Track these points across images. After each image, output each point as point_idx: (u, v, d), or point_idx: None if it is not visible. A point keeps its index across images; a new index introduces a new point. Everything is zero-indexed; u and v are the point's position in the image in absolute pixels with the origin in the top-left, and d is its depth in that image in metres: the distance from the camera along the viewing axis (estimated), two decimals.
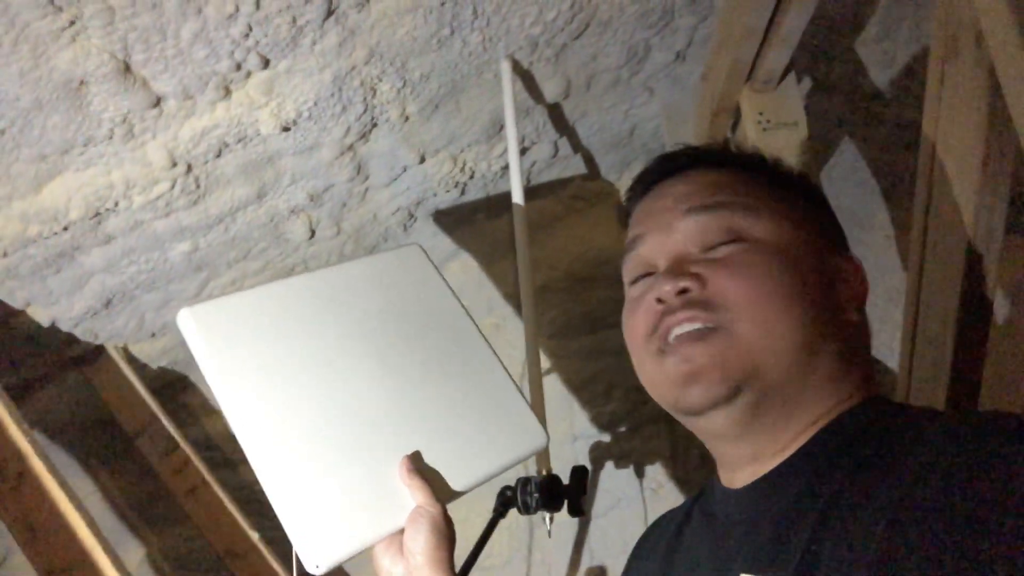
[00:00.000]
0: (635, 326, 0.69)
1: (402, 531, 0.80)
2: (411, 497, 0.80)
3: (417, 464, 0.83)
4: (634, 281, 0.72)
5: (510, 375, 0.98)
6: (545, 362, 2.10)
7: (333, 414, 0.82)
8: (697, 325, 0.64)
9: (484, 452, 0.89)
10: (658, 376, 0.67)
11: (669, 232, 0.69)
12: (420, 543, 0.78)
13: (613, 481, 2.20)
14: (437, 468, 0.85)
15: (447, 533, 0.80)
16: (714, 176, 0.71)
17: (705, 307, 0.64)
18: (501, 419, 0.93)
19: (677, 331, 0.65)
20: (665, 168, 0.75)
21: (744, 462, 0.67)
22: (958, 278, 0.93)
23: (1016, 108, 0.72)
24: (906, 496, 0.52)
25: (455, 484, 0.85)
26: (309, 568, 0.76)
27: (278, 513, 0.77)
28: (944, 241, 0.96)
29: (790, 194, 0.71)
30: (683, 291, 0.65)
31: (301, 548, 0.76)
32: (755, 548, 0.61)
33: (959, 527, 0.48)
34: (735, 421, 0.64)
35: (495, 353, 0.99)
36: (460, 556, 1.17)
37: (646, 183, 0.76)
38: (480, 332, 1.00)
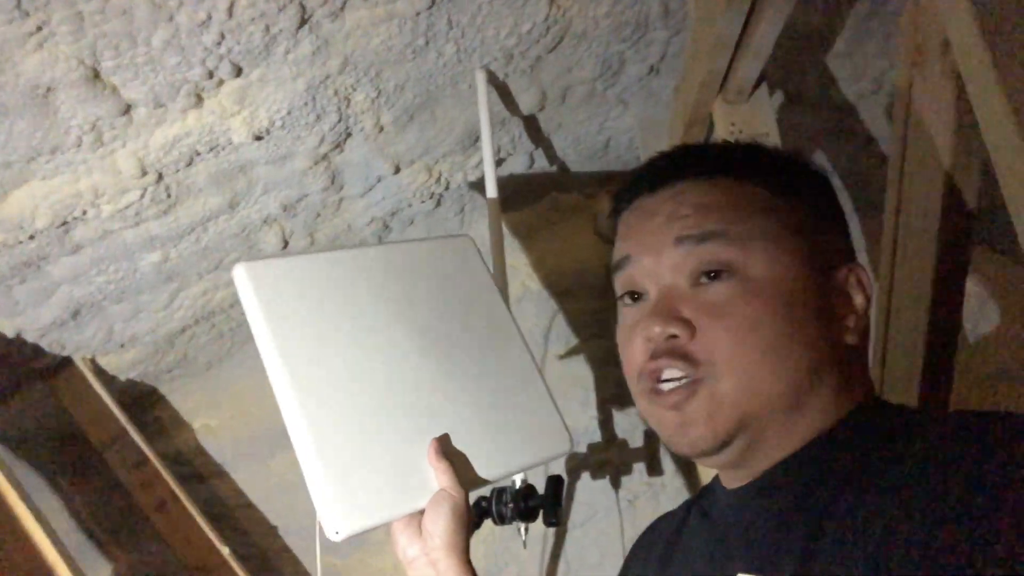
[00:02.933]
0: (628, 360, 0.70)
1: (422, 512, 0.81)
2: (436, 479, 0.81)
3: (445, 447, 0.84)
4: (622, 298, 0.72)
5: (543, 377, 1.00)
6: None
7: (370, 387, 0.84)
8: (680, 375, 0.64)
9: (511, 447, 0.91)
10: (650, 417, 0.68)
11: (659, 259, 0.67)
12: (440, 526, 0.78)
13: (589, 492, 2.19)
14: (464, 455, 0.86)
15: (466, 520, 0.81)
16: (708, 194, 0.67)
17: (691, 361, 0.63)
18: (530, 418, 0.95)
19: (665, 376, 0.65)
20: (655, 177, 0.71)
21: (740, 476, 0.68)
22: (928, 287, 0.94)
23: (983, 117, 0.72)
24: (903, 498, 0.52)
25: (480, 473, 0.87)
26: (329, 534, 0.77)
27: (306, 476, 0.79)
28: (914, 250, 0.97)
29: (793, 203, 0.67)
30: (672, 336, 0.65)
31: (323, 513, 0.78)
32: (753, 549, 0.61)
33: (956, 531, 0.48)
34: (726, 462, 0.66)
35: (531, 353, 1.00)
36: None
37: (635, 191, 0.73)
38: (519, 330, 1.01)
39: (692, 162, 0.71)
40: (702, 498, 0.77)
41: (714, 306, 0.64)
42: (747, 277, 0.64)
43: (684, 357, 0.64)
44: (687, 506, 0.79)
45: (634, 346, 0.68)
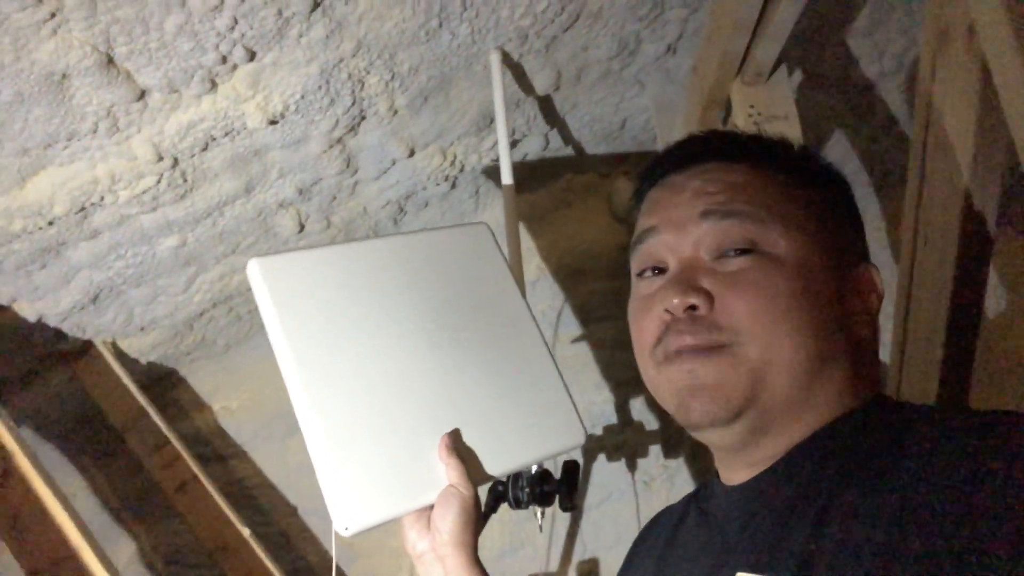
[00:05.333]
0: (642, 333, 0.69)
1: (432, 506, 0.81)
2: (446, 475, 0.81)
3: (456, 443, 0.83)
4: (641, 273, 0.71)
5: (557, 368, 0.98)
6: None
7: (382, 381, 0.84)
8: (700, 343, 0.63)
9: (522, 440, 0.90)
10: (661, 383, 0.67)
11: (682, 233, 0.67)
12: (448, 522, 0.78)
13: (605, 474, 2.20)
14: (475, 449, 0.86)
15: (475, 516, 0.80)
16: (734, 174, 0.68)
17: (710, 328, 0.63)
18: (544, 410, 0.93)
19: (681, 347, 0.64)
20: (683, 156, 0.72)
21: (742, 466, 0.67)
22: (950, 271, 0.93)
23: (1008, 101, 0.71)
24: (905, 498, 0.52)
25: (490, 468, 0.86)
26: (338, 528, 0.78)
27: (317, 471, 0.79)
28: (936, 234, 0.95)
29: (813, 197, 0.68)
30: (691, 307, 0.64)
31: (333, 509, 0.78)
32: (753, 547, 0.60)
33: (958, 529, 0.48)
34: (733, 440, 0.65)
35: (546, 343, 0.99)
36: None
37: (663, 169, 0.73)
38: (534, 320, 1.00)
39: (723, 145, 0.72)
40: (700, 495, 0.76)
41: (735, 277, 0.64)
42: (769, 255, 0.64)
43: (706, 325, 0.63)
44: (686, 502, 0.78)
45: (649, 317, 0.67)
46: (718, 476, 0.71)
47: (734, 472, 0.68)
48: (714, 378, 0.62)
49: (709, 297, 0.64)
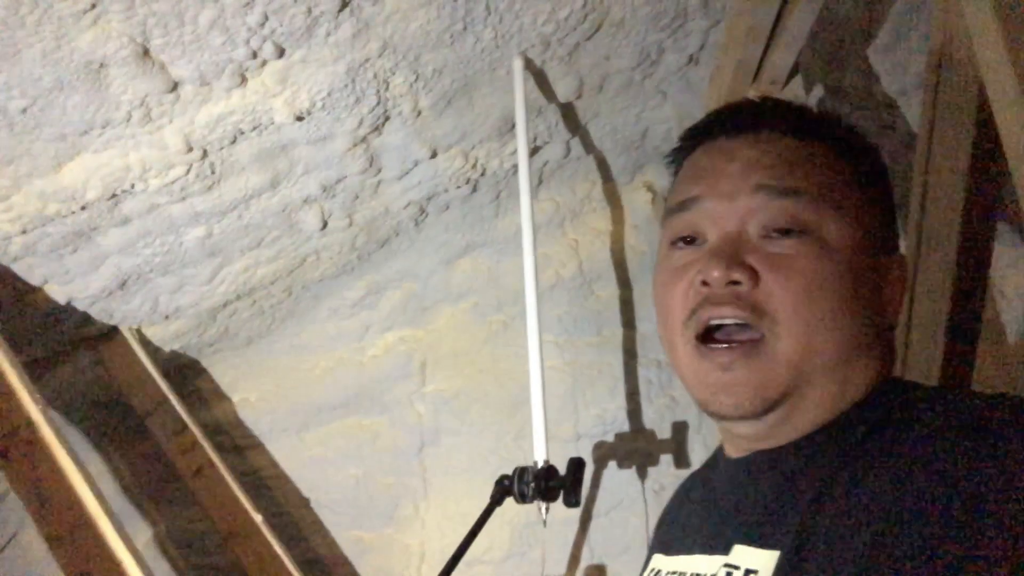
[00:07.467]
0: (672, 303, 0.65)
1: None
2: None
3: None
4: (675, 242, 0.67)
5: None
6: (551, 360, 2.12)
7: None
8: (740, 322, 0.61)
9: None
10: (692, 372, 0.64)
11: (731, 203, 0.63)
12: None
13: (615, 481, 2.21)
14: None
15: None
16: (792, 148, 0.64)
17: (752, 310, 0.60)
18: None
19: (719, 322, 0.62)
20: (736, 121, 0.67)
21: (748, 443, 0.66)
22: (948, 287, 0.93)
23: (1002, 121, 0.71)
24: (903, 484, 0.52)
25: None
26: None
27: None
28: (934, 248, 0.96)
29: (860, 178, 0.65)
30: (734, 282, 0.61)
31: None
32: (749, 520, 0.61)
33: (955, 517, 0.49)
34: (760, 431, 0.63)
35: None
36: (458, 542, 1.20)
37: (711, 132, 0.68)
38: None
39: (780, 115, 0.67)
40: (708, 464, 0.76)
41: (783, 261, 0.61)
42: (820, 240, 0.61)
43: (748, 305, 0.60)
44: (694, 475, 0.79)
45: (682, 288, 0.64)
46: (722, 449, 0.71)
47: (736, 448, 0.68)
48: (750, 378, 0.60)
49: (754, 275, 0.60)
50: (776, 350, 0.60)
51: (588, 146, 1.90)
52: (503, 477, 1.34)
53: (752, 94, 1.28)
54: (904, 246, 1.07)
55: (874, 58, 1.58)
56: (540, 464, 1.38)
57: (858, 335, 0.62)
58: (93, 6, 1.06)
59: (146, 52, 1.16)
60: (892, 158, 1.81)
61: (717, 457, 0.73)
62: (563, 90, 1.63)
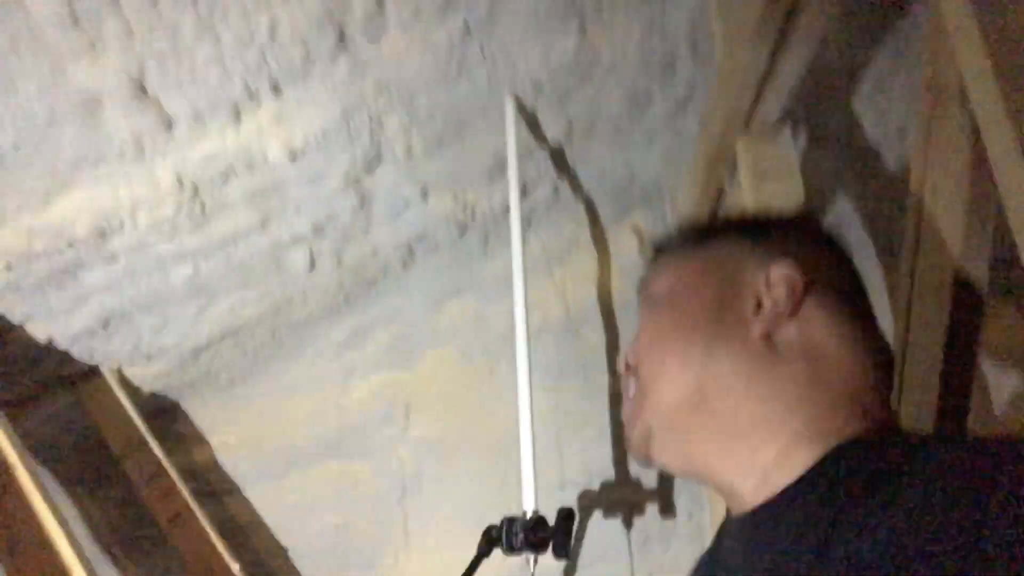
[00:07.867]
0: None
1: None
2: None
3: None
4: None
5: None
6: (537, 405, 2.10)
7: None
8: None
9: None
10: None
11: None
12: None
13: (600, 531, 2.17)
14: None
15: None
16: (652, 265, 0.81)
17: (633, 373, 0.74)
18: None
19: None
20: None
21: (736, 501, 0.67)
22: (941, 339, 0.93)
23: (1000, 172, 0.72)
24: (903, 535, 0.51)
25: None
26: None
27: None
28: (928, 301, 0.97)
29: (705, 239, 0.78)
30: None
31: None
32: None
33: (955, 567, 0.48)
34: (665, 463, 0.71)
35: None
36: None
37: None
38: None
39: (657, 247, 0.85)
40: (721, 530, 0.76)
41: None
42: (653, 298, 0.75)
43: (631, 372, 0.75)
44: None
45: None
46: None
47: (731, 501, 0.68)
48: (625, 417, 0.75)
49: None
50: (638, 387, 0.73)
51: (576, 189, 1.92)
52: (491, 527, 1.31)
53: (741, 142, 1.30)
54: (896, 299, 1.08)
55: (857, 105, 1.62)
56: (529, 514, 1.35)
57: (709, 350, 0.68)
58: (93, 45, 1.06)
59: (142, 88, 1.16)
60: (876, 202, 1.85)
61: (728, 519, 0.73)
62: (553, 133, 1.65)
